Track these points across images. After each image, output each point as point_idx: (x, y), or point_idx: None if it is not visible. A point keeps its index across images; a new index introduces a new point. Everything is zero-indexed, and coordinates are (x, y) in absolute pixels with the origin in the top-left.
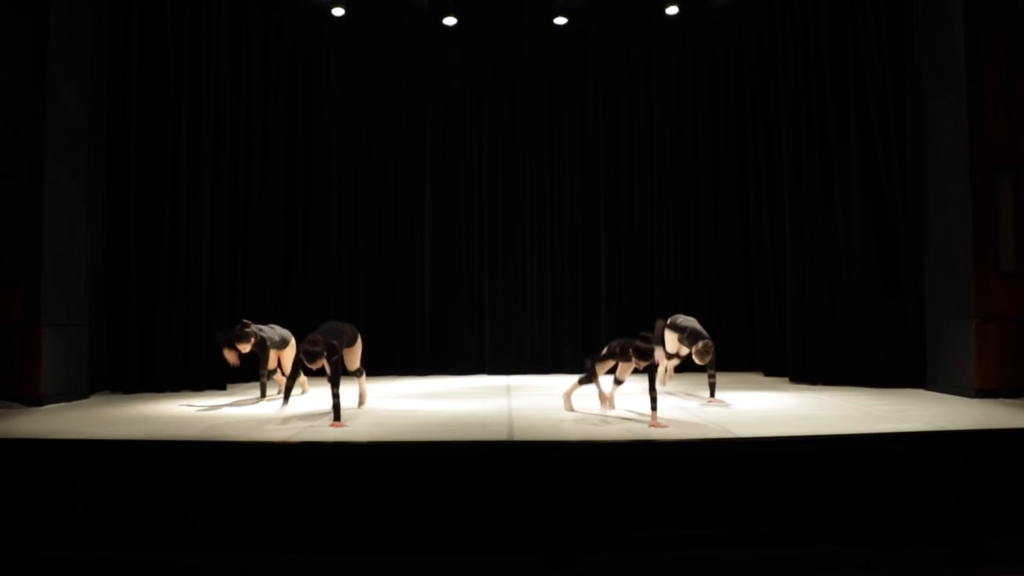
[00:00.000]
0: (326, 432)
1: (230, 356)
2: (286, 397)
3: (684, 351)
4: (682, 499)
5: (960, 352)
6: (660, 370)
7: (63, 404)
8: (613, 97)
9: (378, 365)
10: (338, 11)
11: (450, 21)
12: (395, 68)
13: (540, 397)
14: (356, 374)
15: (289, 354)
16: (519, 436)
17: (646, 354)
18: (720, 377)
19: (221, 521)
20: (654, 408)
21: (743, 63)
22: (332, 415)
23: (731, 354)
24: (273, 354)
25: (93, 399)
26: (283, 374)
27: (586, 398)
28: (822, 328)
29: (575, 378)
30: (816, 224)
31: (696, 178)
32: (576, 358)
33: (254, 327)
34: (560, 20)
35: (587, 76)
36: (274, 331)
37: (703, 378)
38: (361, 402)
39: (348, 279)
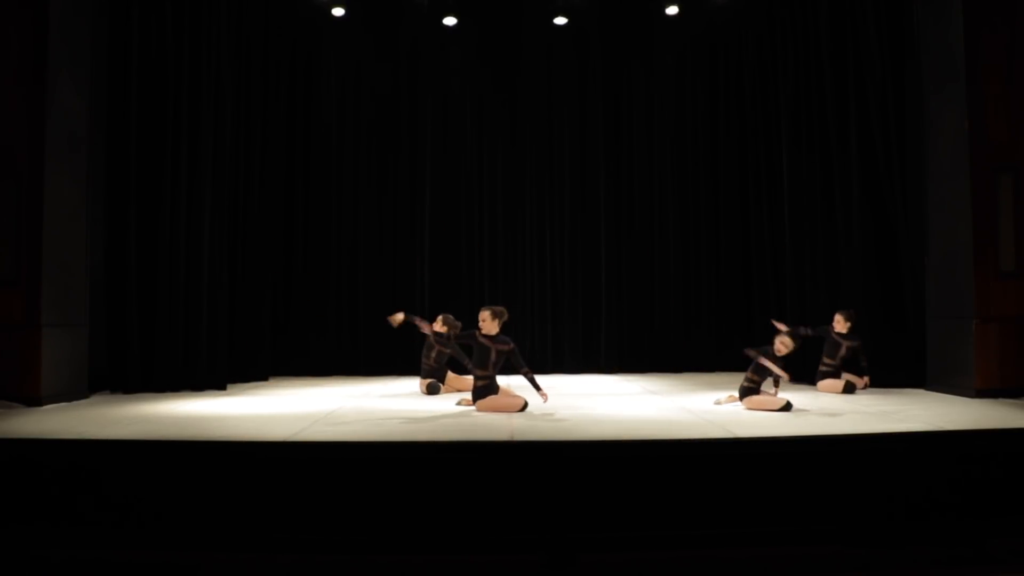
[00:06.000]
0: (326, 432)
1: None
2: None
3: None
4: (682, 499)
5: (960, 352)
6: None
7: (63, 404)
8: (613, 97)
9: (378, 365)
10: (338, 11)
11: (450, 21)
12: (395, 68)
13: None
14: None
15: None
16: (519, 436)
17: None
18: (720, 377)
19: (221, 521)
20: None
21: (743, 63)
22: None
23: (731, 354)
24: None
25: (93, 399)
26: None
27: (585, 398)
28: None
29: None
30: (816, 224)
31: (696, 178)
32: (576, 358)
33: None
34: (560, 20)
35: (587, 76)
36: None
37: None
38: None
39: (348, 279)
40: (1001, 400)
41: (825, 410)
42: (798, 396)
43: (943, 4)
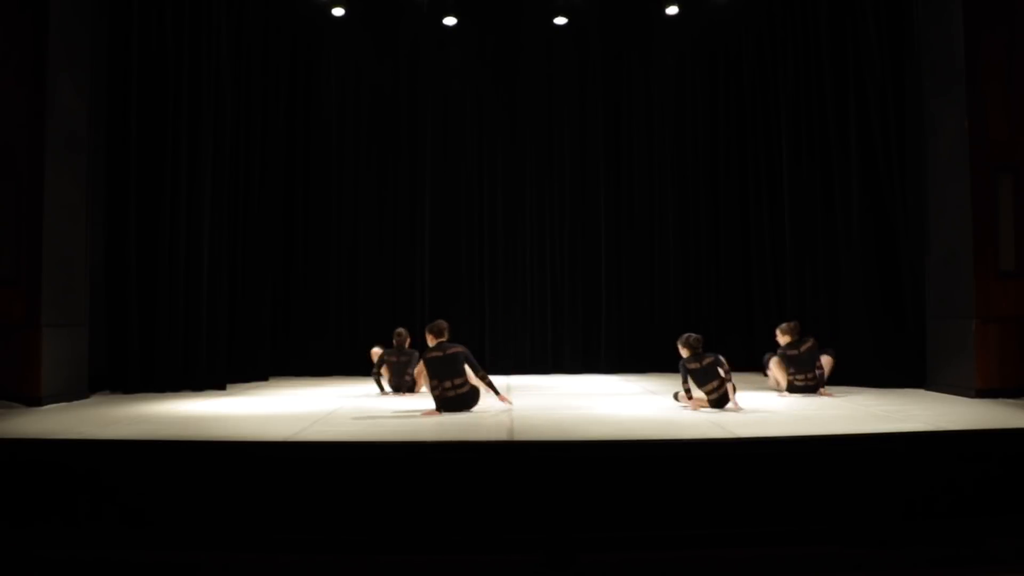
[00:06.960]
0: (326, 432)
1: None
2: None
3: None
4: (682, 499)
5: (960, 352)
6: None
7: (63, 404)
8: (613, 97)
9: None
10: (338, 11)
11: (450, 21)
12: (395, 68)
13: (540, 397)
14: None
15: None
16: (519, 436)
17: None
18: None
19: (221, 521)
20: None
21: (743, 63)
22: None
23: (731, 354)
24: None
25: (93, 399)
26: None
27: (585, 398)
28: (822, 328)
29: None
30: (816, 224)
31: (696, 178)
32: (576, 358)
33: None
34: (560, 20)
35: (587, 76)
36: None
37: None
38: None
39: (348, 279)
40: (1001, 400)
41: (825, 410)
42: (799, 397)
43: (943, 4)
